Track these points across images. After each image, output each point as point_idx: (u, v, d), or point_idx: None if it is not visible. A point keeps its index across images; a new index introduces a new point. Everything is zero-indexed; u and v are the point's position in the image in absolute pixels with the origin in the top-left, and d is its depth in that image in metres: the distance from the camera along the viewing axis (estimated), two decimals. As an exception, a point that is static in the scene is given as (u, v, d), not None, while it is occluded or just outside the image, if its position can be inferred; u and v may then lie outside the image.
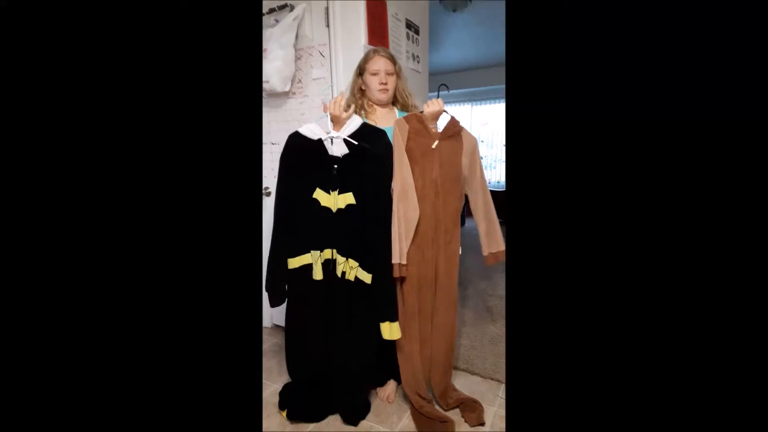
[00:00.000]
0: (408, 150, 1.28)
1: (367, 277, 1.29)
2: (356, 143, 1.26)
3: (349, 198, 1.28)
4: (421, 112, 1.32)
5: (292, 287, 1.37)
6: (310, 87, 1.80)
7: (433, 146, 1.31)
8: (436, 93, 5.02)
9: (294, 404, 1.42)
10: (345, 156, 1.27)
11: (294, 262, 1.34)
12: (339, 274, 1.32)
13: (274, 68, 1.67)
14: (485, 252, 1.41)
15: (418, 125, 1.31)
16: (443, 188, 1.33)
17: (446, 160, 1.33)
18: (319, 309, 1.35)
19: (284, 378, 1.66)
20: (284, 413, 1.41)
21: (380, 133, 1.30)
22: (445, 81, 5.02)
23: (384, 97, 1.40)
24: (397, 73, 1.41)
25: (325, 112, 1.31)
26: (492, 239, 1.40)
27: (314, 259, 1.33)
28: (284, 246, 1.34)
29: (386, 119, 1.42)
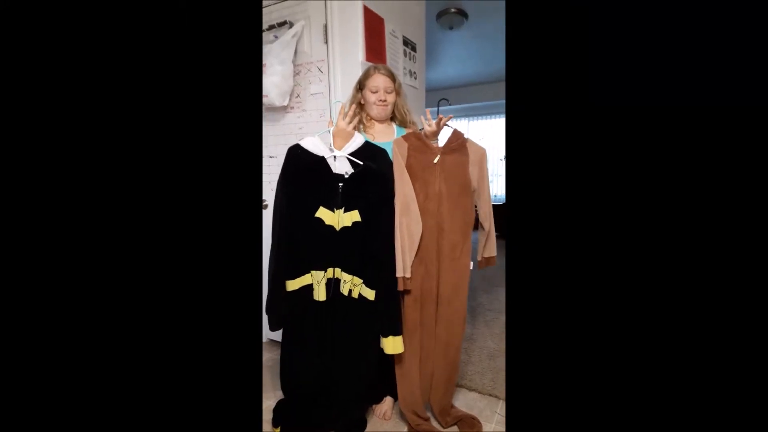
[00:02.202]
0: (408, 167, 1.29)
1: (370, 294, 1.28)
2: (360, 162, 1.26)
3: (355, 215, 1.26)
4: (421, 130, 1.34)
5: (290, 307, 1.33)
6: (308, 102, 1.82)
7: (435, 161, 1.31)
8: (435, 107, 5.08)
9: (288, 421, 1.39)
10: (351, 175, 1.27)
11: (293, 284, 1.30)
12: (345, 292, 1.29)
13: (273, 83, 1.69)
14: (479, 257, 1.46)
15: (417, 142, 1.32)
16: (449, 202, 1.32)
17: (451, 173, 1.32)
18: (320, 327, 1.33)
19: (279, 394, 1.63)
20: (277, 430, 1.38)
21: (382, 152, 1.32)
22: (442, 97, 5.08)
23: (383, 113, 1.42)
24: (397, 90, 1.43)
25: (330, 127, 1.31)
26: (487, 246, 1.46)
27: (316, 279, 1.30)
28: (285, 267, 1.30)
29: (384, 134, 1.44)
